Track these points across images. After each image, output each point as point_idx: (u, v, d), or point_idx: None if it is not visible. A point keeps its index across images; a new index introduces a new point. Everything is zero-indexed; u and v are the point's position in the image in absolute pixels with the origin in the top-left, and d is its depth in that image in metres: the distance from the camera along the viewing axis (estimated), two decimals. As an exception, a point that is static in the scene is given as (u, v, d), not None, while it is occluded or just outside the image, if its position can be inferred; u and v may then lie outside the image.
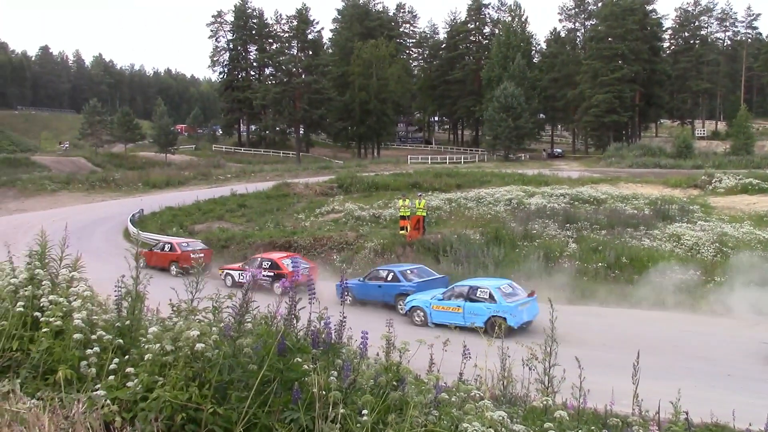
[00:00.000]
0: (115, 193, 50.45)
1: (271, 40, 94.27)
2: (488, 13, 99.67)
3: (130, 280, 3.95)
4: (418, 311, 17.47)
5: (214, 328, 3.29)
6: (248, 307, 3.45)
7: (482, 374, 5.50)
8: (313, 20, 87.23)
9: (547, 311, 4.91)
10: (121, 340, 3.55)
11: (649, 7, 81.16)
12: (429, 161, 71.00)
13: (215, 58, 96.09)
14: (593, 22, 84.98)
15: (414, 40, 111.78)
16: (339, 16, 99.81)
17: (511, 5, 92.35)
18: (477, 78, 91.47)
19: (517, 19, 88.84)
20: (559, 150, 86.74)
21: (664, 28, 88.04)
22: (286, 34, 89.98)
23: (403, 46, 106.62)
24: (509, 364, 6.00)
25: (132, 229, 30.95)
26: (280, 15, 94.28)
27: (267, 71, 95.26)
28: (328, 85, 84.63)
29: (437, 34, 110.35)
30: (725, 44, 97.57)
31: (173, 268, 24.48)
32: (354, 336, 3.95)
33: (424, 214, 27.30)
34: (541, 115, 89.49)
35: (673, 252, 23.47)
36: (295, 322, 3.43)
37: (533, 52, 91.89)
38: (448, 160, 72.17)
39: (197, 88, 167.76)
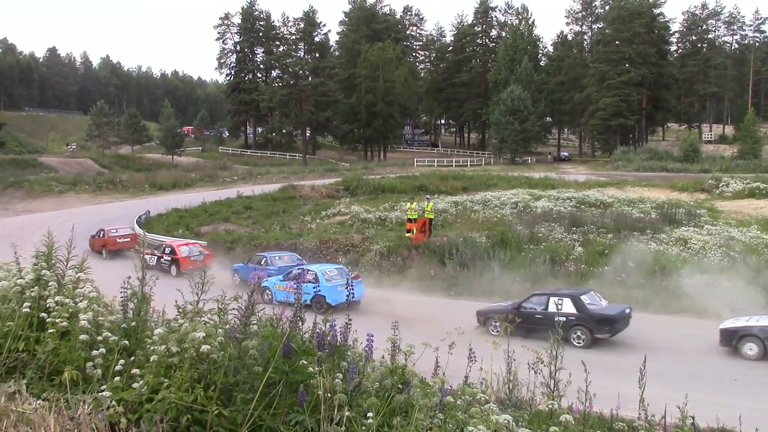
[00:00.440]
0: (121, 195, 50.65)
1: (278, 43, 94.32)
2: (495, 16, 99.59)
3: (136, 282, 3.96)
4: (267, 291, 20.27)
5: (219, 330, 3.28)
6: (254, 309, 3.45)
7: (488, 377, 5.48)
8: (320, 23, 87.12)
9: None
10: (126, 342, 3.56)
11: (657, 11, 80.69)
12: (435, 164, 71.04)
13: (222, 60, 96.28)
14: (600, 26, 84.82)
15: (421, 43, 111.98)
16: (346, 19, 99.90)
17: (518, 8, 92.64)
18: (484, 81, 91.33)
19: (524, 22, 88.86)
20: (565, 153, 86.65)
21: (671, 32, 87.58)
22: (293, 37, 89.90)
23: (409, 48, 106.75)
24: (515, 368, 5.98)
25: (138, 230, 31.10)
26: (287, 17, 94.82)
27: (274, 73, 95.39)
28: (334, 88, 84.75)
29: (444, 36, 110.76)
30: (733, 48, 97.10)
31: (104, 252, 28.85)
32: (359, 339, 3.94)
33: (432, 216, 27.33)
34: (548, 118, 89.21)
35: (679, 256, 23.38)
36: (300, 324, 3.43)
37: (540, 55, 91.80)
38: (454, 163, 72.20)
39: (204, 90, 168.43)
